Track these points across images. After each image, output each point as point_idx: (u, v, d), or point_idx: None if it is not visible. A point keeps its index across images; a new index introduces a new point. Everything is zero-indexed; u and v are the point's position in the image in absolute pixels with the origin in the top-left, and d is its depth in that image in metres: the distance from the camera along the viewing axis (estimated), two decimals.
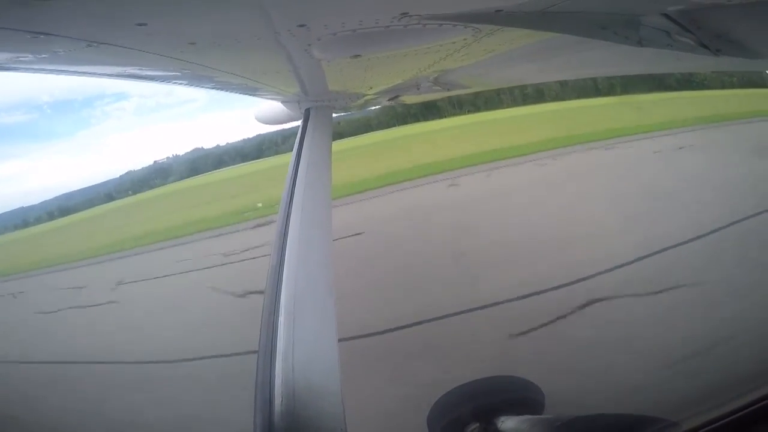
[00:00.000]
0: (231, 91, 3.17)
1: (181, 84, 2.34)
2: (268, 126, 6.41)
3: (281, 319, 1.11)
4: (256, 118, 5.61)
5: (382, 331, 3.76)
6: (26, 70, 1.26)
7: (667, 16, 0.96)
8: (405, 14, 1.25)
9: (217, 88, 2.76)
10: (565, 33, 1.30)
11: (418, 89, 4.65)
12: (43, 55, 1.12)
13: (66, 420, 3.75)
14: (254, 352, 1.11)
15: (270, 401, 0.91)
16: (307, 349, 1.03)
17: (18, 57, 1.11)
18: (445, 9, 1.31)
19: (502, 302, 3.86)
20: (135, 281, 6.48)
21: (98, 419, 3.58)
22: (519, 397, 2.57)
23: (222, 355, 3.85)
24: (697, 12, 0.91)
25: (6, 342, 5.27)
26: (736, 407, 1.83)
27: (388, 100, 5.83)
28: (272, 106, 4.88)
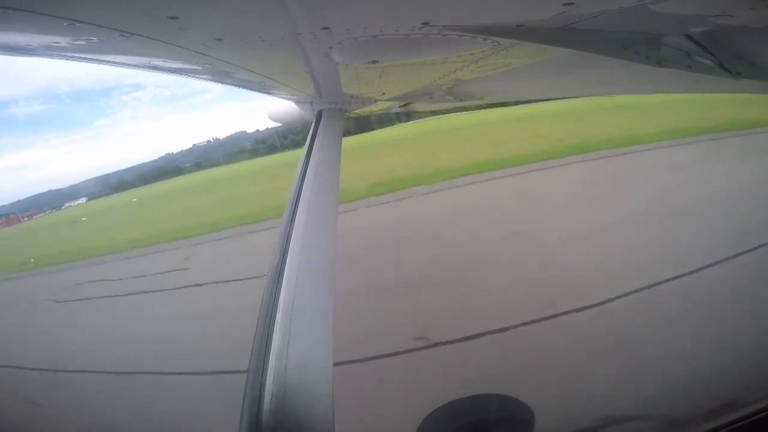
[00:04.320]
0: (248, 89, 3.22)
1: (201, 78, 2.39)
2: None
3: (278, 317, 1.11)
4: (269, 117, 5.67)
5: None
6: (58, 56, 1.29)
7: (689, 36, 0.97)
8: (426, 24, 1.27)
9: (235, 85, 2.80)
10: (586, 50, 1.31)
11: (431, 98, 4.68)
12: (76, 43, 1.15)
13: None
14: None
15: (260, 398, 0.91)
16: (301, 350, 1.03)
17: (53, 43, 1.14)
18: (467, 21, 1.32)
19: None
20: None
21: None
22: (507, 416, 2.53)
23: None
24: (721, 33, 0.92)
25: None
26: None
27: (400, 106, 5.87)
28: (285, 105, 4.94)
